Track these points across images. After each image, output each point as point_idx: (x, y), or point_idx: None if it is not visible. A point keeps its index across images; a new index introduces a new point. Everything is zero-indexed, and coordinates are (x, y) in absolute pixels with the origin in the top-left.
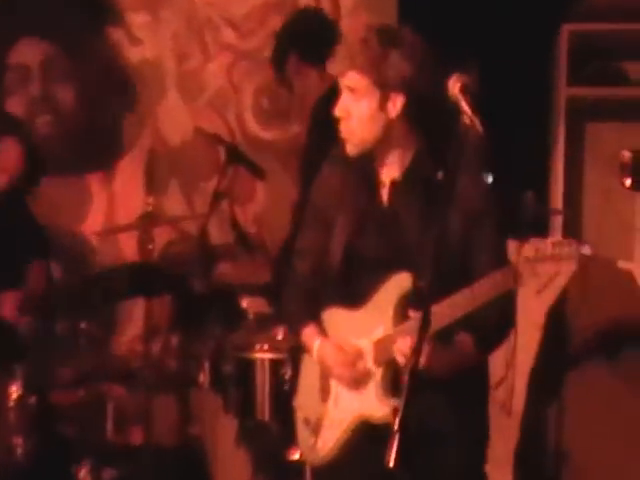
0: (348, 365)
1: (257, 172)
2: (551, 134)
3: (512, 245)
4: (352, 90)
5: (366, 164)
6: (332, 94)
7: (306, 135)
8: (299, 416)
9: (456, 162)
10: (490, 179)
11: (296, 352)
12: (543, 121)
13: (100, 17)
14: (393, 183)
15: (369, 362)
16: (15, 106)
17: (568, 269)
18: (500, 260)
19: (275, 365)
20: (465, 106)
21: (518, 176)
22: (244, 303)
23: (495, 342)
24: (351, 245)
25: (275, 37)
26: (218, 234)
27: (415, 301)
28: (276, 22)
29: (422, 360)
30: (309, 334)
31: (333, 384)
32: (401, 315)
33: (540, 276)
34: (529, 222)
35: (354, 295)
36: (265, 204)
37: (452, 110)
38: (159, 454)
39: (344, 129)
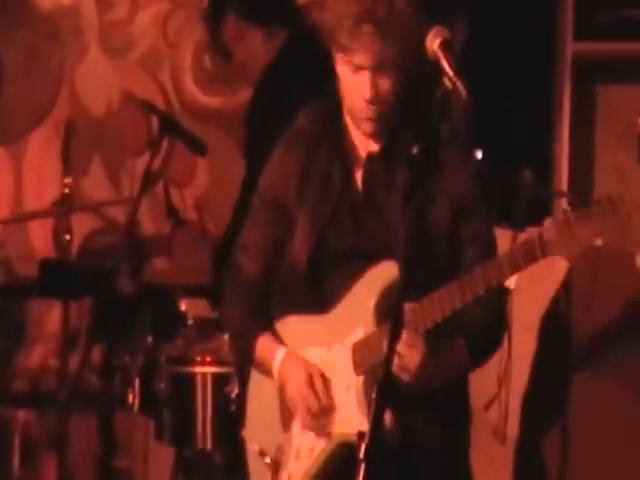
0: (311, 393)
1: (197, 147)
2: (555, 99)
3: (505, 235)
4: (380, 67)
5: (337, 142)
6: (282, 61)
7: (249, 109)
8: (251, 448)
9: (437, 134)
10: (479, 155)
11: (245, 365)
12: (545, 83)
13: None
14: (369, 160)
15: (345, 372)
16: None
17: (611, 233)
18: (490, 253)
19: (219, 381)
20: (446, 65)
21: (515, 151)
22: (182, 306)
23: (488, 348)
24: (319, 242)
25: None
26: (151, 222)
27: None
28: None
29: (412, 357)
30: (266, 347)
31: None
32: (385, 311)
33: (579, 239)
34: (527, 207)
35: (320, 299)
36: (208, 186)
37: (431, 70)
38: None
39: (373, 108)
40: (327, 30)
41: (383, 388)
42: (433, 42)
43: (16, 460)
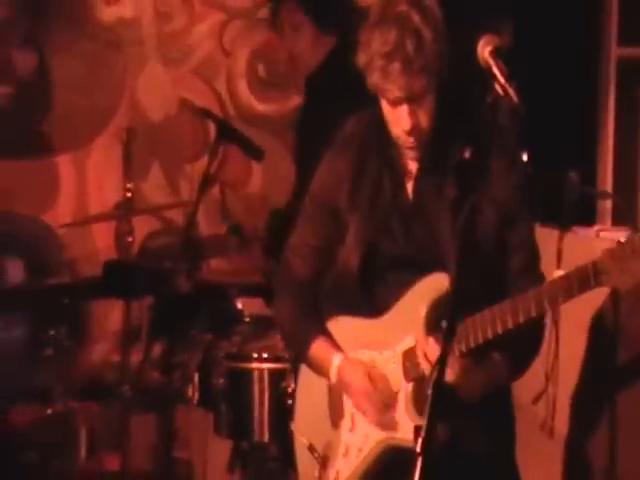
0: (375, 395)
1: (253, 152)
2: (599, 103)
3: (552, 234)
4: (413, 99)
5: (387, 153)
6: (331, 66)
7: (302, 111)
8: (301, 442)
9: (487, 139)
10: (525, 157)
11: (297, 362)
12: (590, 87)
13: None
14: (420, 174)
15: (396, 377)
16: None
17: None
18: (535, 263)
19: (276, 376)
20: (497, 73)
21: (560, 153)
22: (239, 304)
23: (528, 361)
24: (371, 245)
25: None
26: (208, 224)
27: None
28: None
29: (449, 373)
30: (322, 349)
31: (347, 406)
32: (435, 321)
33: (633, 273)
34: (572, 207)
35: (370, 302)
36: (262, 189)
37: (483, 77)
38: None
39: (413, 139)
40: (363, 69)
41: (439, 384)
42: (484, 50)
43: (82, 450)
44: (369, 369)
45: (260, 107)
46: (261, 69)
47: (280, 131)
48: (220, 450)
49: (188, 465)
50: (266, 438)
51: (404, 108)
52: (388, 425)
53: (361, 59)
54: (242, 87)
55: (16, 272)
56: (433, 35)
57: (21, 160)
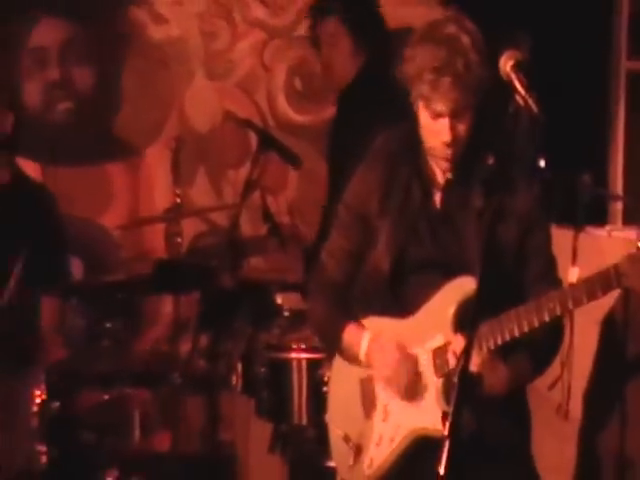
0: (404, 367)
1: (292, 159)
2: (610, 112)
3: (567, 234)
4: (456, 113)
5: (417, 165)
6: (365, 80)
7: (334, 123)
8: (335, 432)
9: (509, 146)
10: (543, 163)
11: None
12: (601, 97)
13: None
14: (448, 184)
15: (426, 372)
16: (33, 92)
17: None
18: (552, 267)
19: (313, 366)
20: (518, 85)
21: (574, 158)
22: (279, 299)
23: (550, 358)
24: (400, 250)
25: None
26: (249, 226)
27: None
28: None
29: (473, 365)
30: (352, 333)
31: (380, 398)
32: (462, 320)
33: None
34: (586, 208)
35: (400, 302)
36: (299, 193)
37: (503, 89)
38: (187, 462)
39: (450, 151)
40: (409, 80)
41: (464, 374)
42: (506, 64)
43: (136, 433)
44: (398, 343)
45: (297, 118)
46: (298, 83)
47: (315, 139)
48: (261, 432)
49: (232, 446)
50: (304, 421)
51: (446, 121)
52: (417, 397)
53: (408, 71)
54: (280, 99)
55: (76, 270)
56: (479, 57)
57: (80, 168)
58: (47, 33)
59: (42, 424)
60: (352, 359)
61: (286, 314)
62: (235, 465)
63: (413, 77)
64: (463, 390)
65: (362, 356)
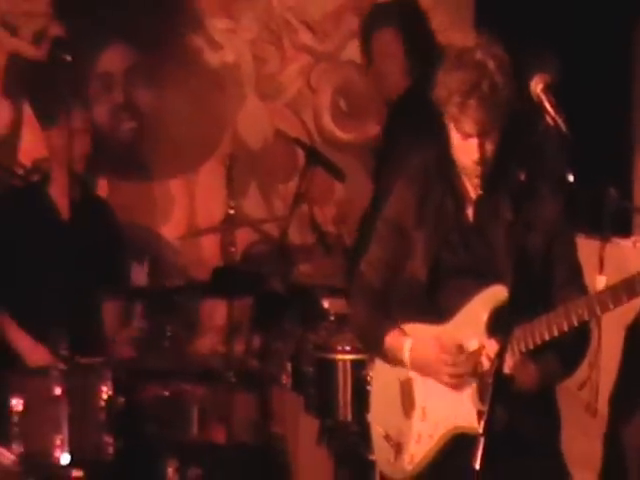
0: (451, 356)
1: (337, 174)
2: (635, 128)
3: (594, 244)
4: (484, 133)
5: (450, 182)
6: (414, 97)
7: (383, 137)
8: (377, 431)
9: (539, 164)
10: (571, 178)
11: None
12: (626, 113)
13: (181, 24)
14: (480, 198)
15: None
16: (101, 114)
17: None
18: (578, 275)
19: (356, 365)
20: (548, 106)
21: (600, 172)
22: (325, 303)
23: (579, 359)
24: (436, 260)
25: (372, 11)
26: (298, 235)
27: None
28: (352, 23)
29: (506, 366)
30: (395, 337)
31: (418, 399)
32: (495, 326)
33: None
34: (612, 220)
35: (438, 309)
36: (344, 204)
37: (533, 109)
38: (242, 452)
39: (480, 168)
40: (441, 103)
41: (498, 374)
42: (537, 87)
43: (194, 426)
44: (439, 340)
45: (341, 135)
46: (342, 103)
47: (358, 155)
48: (309, 426)
49: (282, 438)
50: (348, 417)
51: (475, 141)
52: (455, 413)
53: (440, 94)
54: (326, 118)
55: (139, 275)
56: (504, 80)
57: (144, 182)
58: (113, 60)
59: (109, 418)
60: (394, 362)
61: (332, 317)
62: (285, 456)
63: (444, 100)
64: (497, 390)
65: (406, 358)
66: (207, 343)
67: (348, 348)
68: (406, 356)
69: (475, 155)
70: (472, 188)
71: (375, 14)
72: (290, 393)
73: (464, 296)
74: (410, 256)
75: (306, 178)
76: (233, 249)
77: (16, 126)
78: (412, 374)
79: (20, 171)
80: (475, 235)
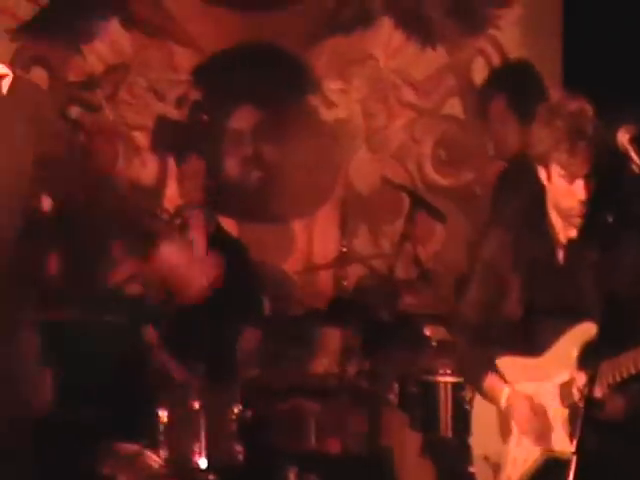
0: (538, 423)
1: (438, 216)
2: None
3: None
4: (589, 174)
5: (542, 227)
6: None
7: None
8: (477, 453)
9: (625, 209)
10: None
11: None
12: None
13: (301, 86)
14: (570, 242)
15: (554, 404)
16: (232, 165)
17: None
18: None
19: (456, 387)
20: (635, 156)
21: None
22: (427, 331)
23: None
24: (530, 301)
25: (489, 77)
26: (403, 270)
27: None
28: (451, 82)
29: (595, 397)
30: (494, 383)
31: (515, 427)
32: (584, 360)
33: None
34: None
35: (532, 344)
36: (443, 243)
37: (620, 158)
38: (354, 462)
39: (584, 209)
40: (542, 157)
41: (589, 401)
42: (624, 137)
43: (312, 438)
44: (531, 401)
45: (441, 181)
46: (442, 153)
47: (456, 199)
48: (414, 440)
49: (390, 450)
50: (449, 433)
51: (581, 182)
52: (547, 442)
53: (540, 148)
54: (428, 167)
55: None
56: (601, 125)
57: (268, 224)
58: (243, 118)
59: (239, 429)
60: (492, 401)
61: (433, 343)
62: (392, 466)
63: (548, 151)
64: (587, 418)
65: (502, 404)
66: (323, 365)
67: (449, 371)
68: (502, 402)
69: (582, 195)
70: (561, 230)
71: (490, 80)
72: (397, 411)
73: (556, 332)
74: (506, 296)
75: (410, 220)
76: (345, 282)
77: (162, 177)
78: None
79: (165, 216)
80: (565, 276)
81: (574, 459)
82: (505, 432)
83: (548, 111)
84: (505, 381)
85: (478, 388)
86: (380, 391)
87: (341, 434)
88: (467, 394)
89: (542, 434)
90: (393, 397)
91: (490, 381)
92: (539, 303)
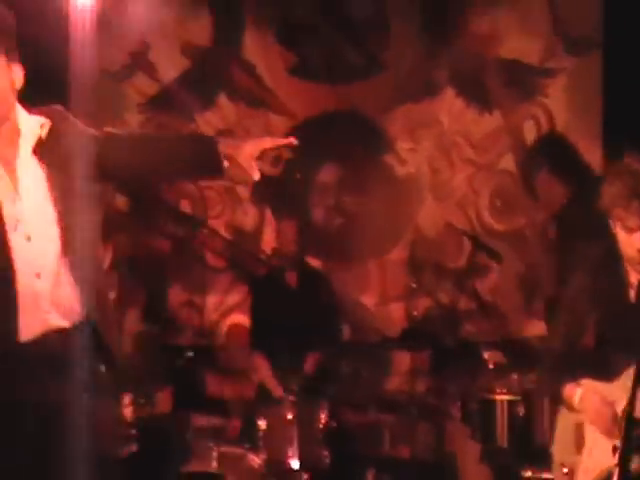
0: (607, 414)
1: (495, 256)
2: None
3: None
4: None
5: (617, 267)
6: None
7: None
8: (556, 459)
9: None
10: None
11: (528, 396)
12: None
13: (378, 146)
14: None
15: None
16: (318, 213)
17: None
18: None
19: (511, 405)
20: None
21: None
22: (485, 355)
23: None
24: (604, 335)
25: (533, 150)
26: (464, 302)
27: None
28: (506, 142)
29: (637, 409)
30: (569, 389)
31: (587, 440)
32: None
33: None
34: None
35: (605, 371)
36: (498, 279)
37: None
38: (422, 467)
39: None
40: (608, 209)
41: (630, 416)
42: None
43: (386, 445)
44: (601, 396)
45: (497, 226)
46: (498, 202)
47: (510, 242)
48: (474, 449)
49: (454, 457)
50: (505, 443)
51: (638, 234)
52: (615, 433)
53: (606, 201)
54: (486, 214)
55: (345, 333)
56: None
57: (348, 263)
58: (328, 174)
59: (326, 437)
60: (568, 408)
61: (491, 366)
62: (455, 470)
63: (611, 204)
64: (628, 430)
65: (576, 404)
66: (396, 383)
67: (505, 391)
68: (576, 401)
69: (638, 245)
70: (634, 274)
71: (530, 156)
72: (459, 424)
73: (626, 363)
74: (584, 332)
75: (471, 259)
76: (415, 313)
77: (259, 224)
78: (584, 420)
79: (263, 257)
80: (637, 313)
81: (616, 472)
82: (579, 444)
83: (614, 171)
84: (579, 384)
85: (557, 397)
86: (445, 406)
87: (411, 442)
88: (521, 410)
89: (611, 426)
90: (456, 412)
91: (567, 389)
92: (613, 336)
